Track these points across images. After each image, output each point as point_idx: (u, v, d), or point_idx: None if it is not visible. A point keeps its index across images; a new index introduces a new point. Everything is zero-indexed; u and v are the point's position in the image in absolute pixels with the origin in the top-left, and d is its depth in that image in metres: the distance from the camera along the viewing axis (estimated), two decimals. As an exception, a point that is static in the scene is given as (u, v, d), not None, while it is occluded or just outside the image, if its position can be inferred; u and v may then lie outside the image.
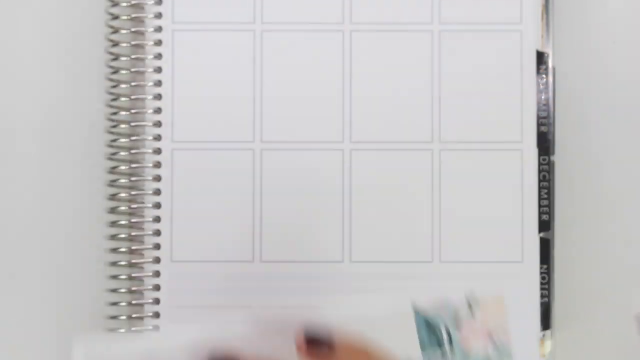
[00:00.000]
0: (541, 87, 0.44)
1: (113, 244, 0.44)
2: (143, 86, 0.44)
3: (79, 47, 0.46)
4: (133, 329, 0.44)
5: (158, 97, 0.44)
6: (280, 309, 0.44)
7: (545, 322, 0.44)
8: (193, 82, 0.44)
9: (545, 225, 0.44)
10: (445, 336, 0.43)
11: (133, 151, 0.44)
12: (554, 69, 0.44)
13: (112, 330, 0.45)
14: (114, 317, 0.44)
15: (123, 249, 0.44)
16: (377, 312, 0.43)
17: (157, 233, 0.44)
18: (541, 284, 0.44)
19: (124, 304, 0.44)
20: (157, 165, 0.44)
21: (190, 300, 0.44)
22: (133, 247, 0.44)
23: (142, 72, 0.44)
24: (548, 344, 0.45)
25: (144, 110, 0.44)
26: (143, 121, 0.44)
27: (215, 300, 0.44)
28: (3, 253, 0.46)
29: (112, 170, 0.44)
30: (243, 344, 0.40)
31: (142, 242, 0.44)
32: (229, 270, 0.44)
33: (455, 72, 0.44)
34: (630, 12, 0.46)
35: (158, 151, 0.44)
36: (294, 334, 0.40)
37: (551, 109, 0.44)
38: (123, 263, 0.44)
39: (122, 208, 0.44)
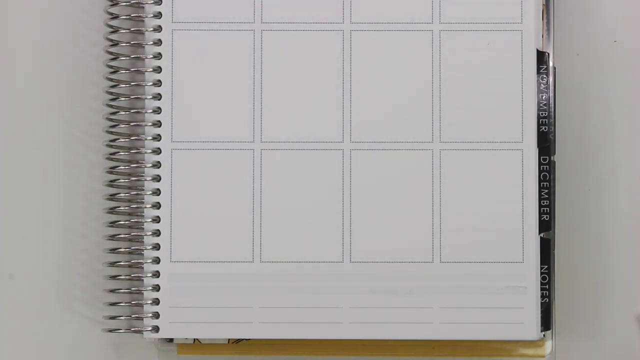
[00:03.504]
0: (541, 87, 0.44)
1: (112, 244, 0.44)
2: (142, 86, 0.44)
3: (79, 46, 0.46)
4: (132, 329, 0.44)
5: (157, 97, 0.44)
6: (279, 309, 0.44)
7: (546, 322, 0.44)
8: (192, 81, 0.44)
9: (545, 225, 0.44)
10: None
11: (132, 151, 0.44)
12: (554, 68, 0.44)
13: (112, 331, 0.45)
14: (113, 318, 0.44)
15: (122, 249, 0.44)
16: None
17: (157, 233, 0.44)
18: (541, 284, 0.44)
19: (123, 304, 0.44)
20: (157, 165, 0.44)
21: (189, 300, 0.44)
22: (132, 248, 0.44)
23: (142, 72, 0.44)
24: (548, 345, 0.45)
25: (144, 110, 0.44)
26: (142, 121, 0.44)
27: (215, 300, 0.44)
28: (2, 253, 0.46)
29: (112, 170, 0.44)
30: None
31: (141, 243, 0.44)
32: (229, 270, 0.44)
33: (455, 72, 0.44)
34: (630, 12, 0.46)
35: (157, 151, 0.44)
36: None
37: (552, 109, 0.44)
38: (122, 263, 0.44)
39: (122, 208, 0.44)
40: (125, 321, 0.45)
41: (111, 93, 0.44)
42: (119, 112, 0.44)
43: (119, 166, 0.44)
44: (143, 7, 0.44)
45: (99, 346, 0.46)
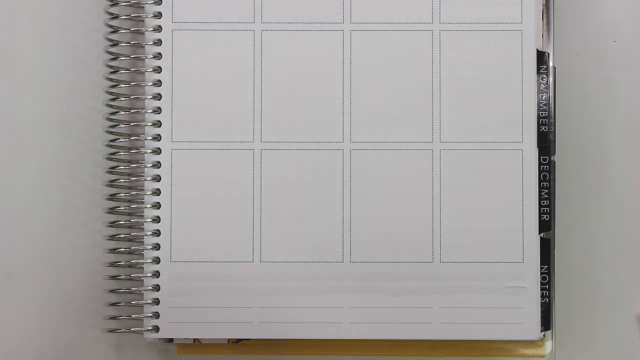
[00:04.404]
0: (541, 87, 0.44)
1: (112, 244, 0.44)
2: (142, 86, 0.44)
3: (79, 46, 0.46)
4: (132, 329, 0.44)
5: (157, 97, 0.44)
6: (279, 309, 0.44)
7: (546, 322, 0.44)
8: (192, 82, 0.44)
9: (545, 225, 0.44)
10: None
11: (132, 151, 0.44)
12: (554, 68, 0.44)
13: (112, 331, 0.45)
14: (113, 318, 0.44)
15: (122, 250, 0.44)
16: None
17: (157, 233, 0.44)
18: (541, 284, 0.44)
19: (123, 304, 0.44)
20: (157, 165, 0.44)
21: (190, 300, 0.44)
22: (132, 248, 0.44)
23: (142, 72, 0.44)
24: (548, 345, 0.45)
25: (144, 110, 0.44)
26: (142, 121, 0.44)
27: (215, 300, 0.44)
28: (2, 253, 0.46)
29: (112, 170, 0.44)
30: None
31: (141, 243, 0.44)
32: (229, 270, 0.44)
33: (455, 72, 0.44)
34: (630, 12, 0.46)
35: (157, 151, 0.44)
36: None
37: (552, 109, 0.44)
38: (122, 263, 0.44)
39: (122, 208, 0.44)
40: (125, 321, 0.45)
41: (111, 93, 0.44)
42: (119, 112, 0.44)
43: (119, 166, 0.44)
44: (143, 7, 0.45)
45: (99, 346, 0.46)
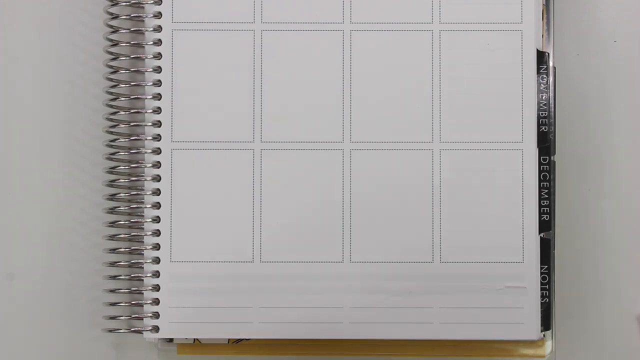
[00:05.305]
0: (542, 87, 0.44)
1: (112, 244, 0.44)
2: (142, 86, 0.44)
3: (79, 46, 0.46)
4: (133, 329, 0.44)
5: (157, 97, 0.44)
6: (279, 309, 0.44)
7: (546, 322, 0.44)
8: (192, 82, 0.44)
9: (545, 225, 0.44)
10: None
11: (132, 151, 0.44)
12: (554, 68, 0.44)
13: (112, 331, 0.45)
14: (113, 318, 0.44)
15: (123, 249, 0.44)
16: None
17: (157, 233, 0.44)
18: (541, 284, 0.44)
19: (123, 304, 0.44)
20: (157, 165, 0.44)
21: (190, 300, 0.44)
22: (133, 248, 0.44)
23: (142, 72, 0.44)
24: (548, 345, 0.45)
25: (144, 110, 0.44)
26: (142, 121, 0.44)
27: (215, 300, 0.44)
28: (3, 253, 0.46)
29: (112, 170, 0.44)
30: None
31: (141, 243, 0.44)
32: (229, 270, 0.44)
33: (456, 72, 0.44)
34: (630, 12, 0.46)
35: (157, 151, 0.44)
36: None
37: (552, 109, 0.44)
38: (123, 263, 0.44)
39: (122, 208, 0.44)
40: (125, 321, 0.45)
41: (111, 93, 0.44)
42: (119, 112, 0.44)
43: (119, 166, 0.44)
44: (143, 7, 0.45)
45: (99, 346, 0.46)
